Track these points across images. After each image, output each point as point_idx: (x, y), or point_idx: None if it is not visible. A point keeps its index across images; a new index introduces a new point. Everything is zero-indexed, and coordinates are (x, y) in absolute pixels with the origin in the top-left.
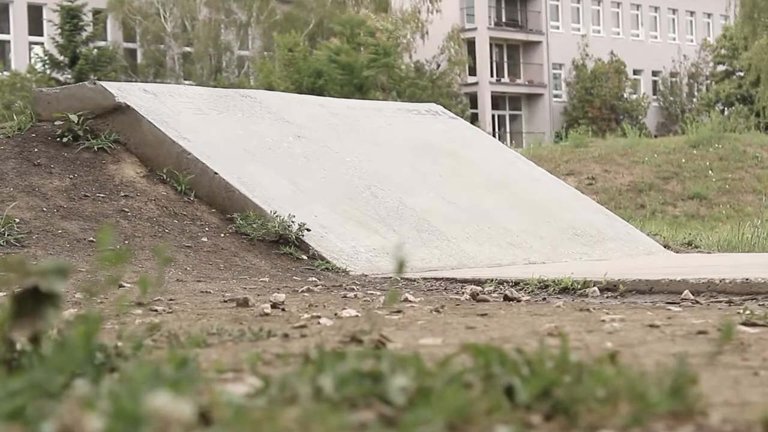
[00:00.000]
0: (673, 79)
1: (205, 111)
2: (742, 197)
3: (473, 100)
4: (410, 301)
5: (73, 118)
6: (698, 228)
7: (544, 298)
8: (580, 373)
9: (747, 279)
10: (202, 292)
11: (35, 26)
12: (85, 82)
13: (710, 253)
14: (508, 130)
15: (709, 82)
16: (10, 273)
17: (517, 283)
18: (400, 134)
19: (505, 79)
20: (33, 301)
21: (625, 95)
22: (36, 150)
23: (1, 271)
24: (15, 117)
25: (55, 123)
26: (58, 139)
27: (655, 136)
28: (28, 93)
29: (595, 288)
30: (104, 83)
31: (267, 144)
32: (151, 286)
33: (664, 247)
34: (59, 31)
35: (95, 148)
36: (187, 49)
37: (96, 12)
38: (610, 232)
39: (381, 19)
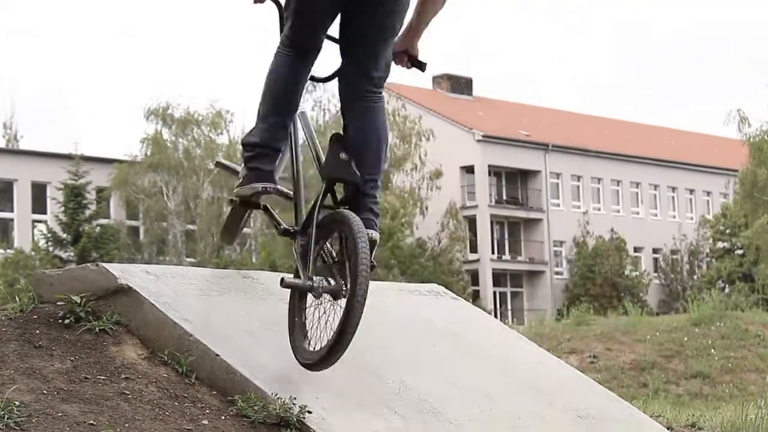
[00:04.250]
0: (674, 257)
1: (206, 292)
2: (745, 376)
3: (474, 277)
4: None
5: (76, 299)
6: (702, 408)
7: None
8: None
9: None
10: None
11: (39, 204)
12: (88, 264)
13: None
14: (509, 307)
15: (709, 259)
16: None
17: None
18: (402, 315)
19: (507, 256)
20: None
21: (626, 272)
22: (37, 332)
23: None
24: (17, 298)
25: (57, 304)
26: (60, 320)
27: (657, 314)
28: (31, 271)
29: None
30: (106, 265)
31: (269, 325)
32: None
33: (668, 429)
34: (63, 209)
35: (97, 329)
36: (190, 227)
37: (99, 190)
38: (612, 414)
39: (387, 195)
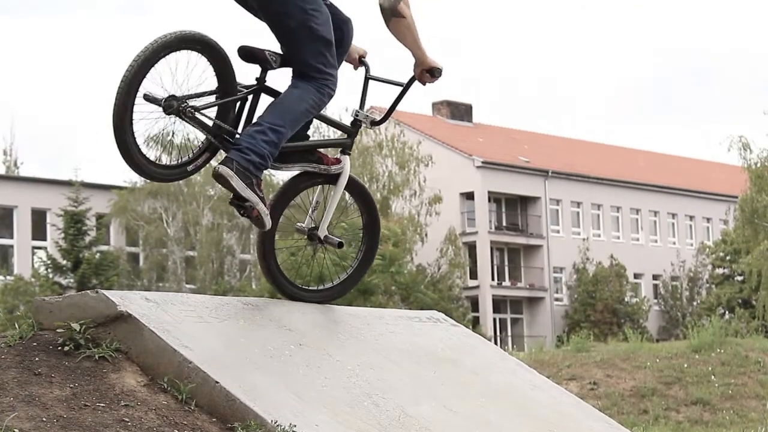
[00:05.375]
0: (674, 283)
1: (206, 319)
2: (746, 403)
3: (474, 304)
4: None
5: (75, 326)
6: None
7: None
8: None
9: None
10: None
11: (39, 231)
12: (88, 291)
13: None
14: (509, 333)
15: (708, 285)
16: None
17: None
18: (401, 342)
19: (507, 282)
20: None
21: (626, 299)
22: (37, 359)
23: None
24: (17, 325)
25: (57, 331)
26: (60, 347)
27: (657, 340)
28: (30, 298)
29: None
30: (106, 292)
31: (269, 352)
32: None
33: None
34: (63, 235)
35: (96, 356)
36: (190, 253)
37: (99, 217)
38: None
39: (388, 221)
